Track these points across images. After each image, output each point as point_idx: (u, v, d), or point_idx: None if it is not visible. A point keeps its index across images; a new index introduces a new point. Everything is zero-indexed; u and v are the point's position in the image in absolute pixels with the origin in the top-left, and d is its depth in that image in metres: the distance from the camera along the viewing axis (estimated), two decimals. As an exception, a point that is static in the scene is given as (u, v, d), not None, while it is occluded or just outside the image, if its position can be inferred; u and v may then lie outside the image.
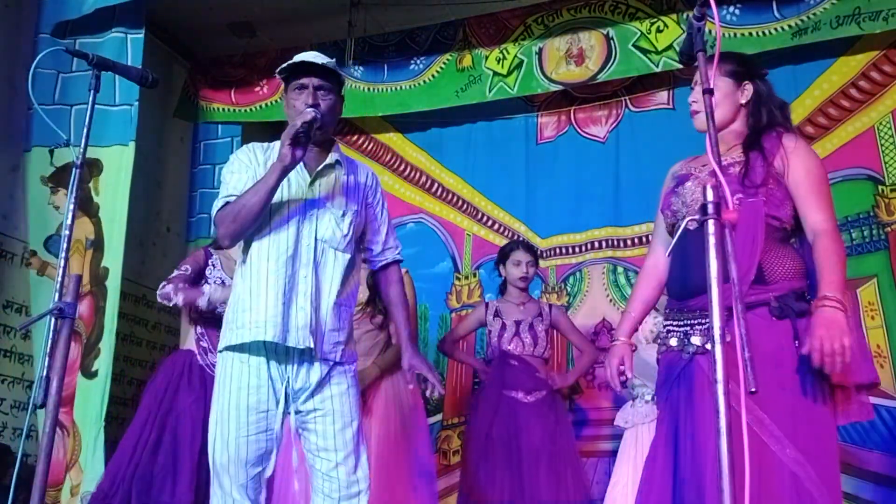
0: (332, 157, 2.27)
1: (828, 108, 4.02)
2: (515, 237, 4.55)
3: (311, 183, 2.24)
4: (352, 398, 2.25)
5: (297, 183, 2.22)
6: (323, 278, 2.21)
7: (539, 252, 4.54)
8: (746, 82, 2.18)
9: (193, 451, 3.15)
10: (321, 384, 2.21)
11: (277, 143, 2.17)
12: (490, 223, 4.74)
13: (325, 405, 2.20)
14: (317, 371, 2.20)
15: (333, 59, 2.26)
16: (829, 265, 1.95)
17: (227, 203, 2.18)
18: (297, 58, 2.23)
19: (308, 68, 2.21)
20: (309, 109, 2.11)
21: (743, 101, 2.18)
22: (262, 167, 2.24)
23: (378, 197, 2.39)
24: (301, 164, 2.17)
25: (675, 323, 2.14)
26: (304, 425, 2.23)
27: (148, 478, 3.12)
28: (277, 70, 2.27)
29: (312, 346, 2.16)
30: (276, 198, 2.17)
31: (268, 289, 2.17)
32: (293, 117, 2.17)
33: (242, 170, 2.26)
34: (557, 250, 4.56)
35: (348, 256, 2.26)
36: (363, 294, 3.11)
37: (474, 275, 4.63)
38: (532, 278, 3.62)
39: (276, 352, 2.17)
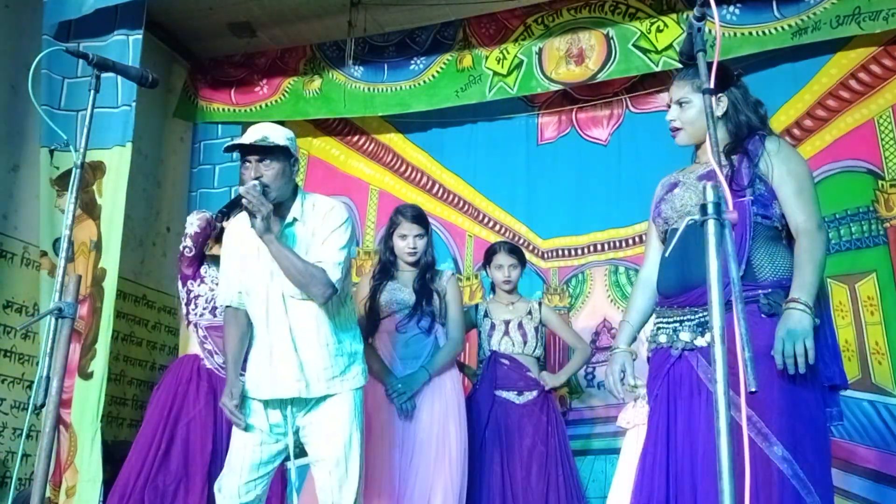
0: (290, 217, 2.47)
1: (826, 101, 4.00)
2: (516, 239, 4.55)
3: None
4: (346, 414, 2.46)
5: (260, 248, 2.43)
6: (300, 330, 2.44)
7: (540, 254, 4.55)
8: (720, 95, 2.20)
9: (205, 459, 3.12)
10: (317, 403, 2.47)
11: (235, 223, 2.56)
12: (491, 224, 4.73)
13: (319, 420, 2.46)
14: (310, 401, 2.47)
15: (268, 137, 2.43)
16: (802, 266, 1.99)
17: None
18: (237, 140, 2.49)
19: (247, 147, 2.43)
20: (252, 182, 2.37)
21: (719, 114, 2.20)
22: (236, 249, 2.56)
23: (326, 225, 2.48)
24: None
25: (664, 320, 2.18)
26: (304, 438, 2.49)
27: (160, 487, 3.10)
28: (225, 150, 2.54)
29: (298, 394, 2.43)
30: (247, 265, 2.48)
31: (259, 349, 2.50)
32: None
33: (228, 274, 2.60)
34: (559, 252, 4.55)
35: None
36: (410, 298, 3.15)
37: (476, 276, 4.63)
38: (516, 281, 3.61)
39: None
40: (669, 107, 2.26)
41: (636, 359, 2.34)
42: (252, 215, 2.32)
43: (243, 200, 2.32)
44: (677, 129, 2.23)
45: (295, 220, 2.48)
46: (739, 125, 2.19)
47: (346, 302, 2.58)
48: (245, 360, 2.61)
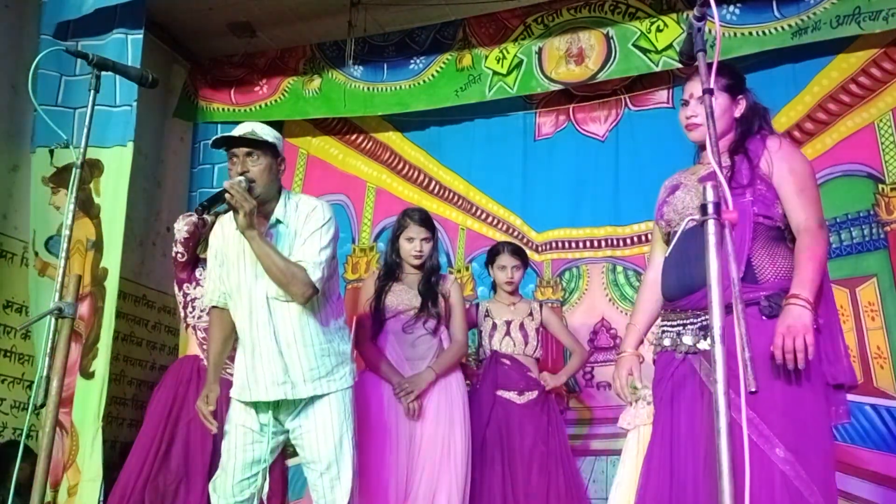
0: (273, 218, 2.45)
1: (827, 104, 3.99)
2: (510, 231, 4.55)
3: None
4: (336, 416, 2.47)
5: (245, 251, 2.41)
6: (284, 331, 2.42)
7: (534, 247, 4.54)
8: (741, 96, 2.21)
9: (205, 459, 3.12)
10: (305, 406, 2.47)
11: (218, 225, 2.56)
12: (484, 216, 4.71)
13: (308, 422, 2.46)
14: (299, 403, 2.46)
15: (256, 132, 2.42)
16: (802, 263, 1.99)
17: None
18: (224, 134, 2.49)
19: (235, 140, 2.40)
20: (237, 178, 2.34)
21: (738, 115, 2.20)
22: (221, 250, 2.53)
23: (309, 225, 2.45)
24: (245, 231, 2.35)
25: (668, 323, 2.18)
26: (295, 441, 2.51)
27: (160, 487, 3.10)
28: (212, 145, 2.48)
29: (284, 396, 2.43)
30: (232, 267, 2.45)
31: (244, 351, 2.48)
32: None
33: (213, 276, 2.57)
34: (553, 244, 4.54)
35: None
36: (416, 300, 3.19)
37: (467, 268, 4.63)
38: (519, 282, 3.63)
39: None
40: (686, 103, 2.24)
41: (643, 362, 2.34)
42: (235, 211, 2.29)
43: (227, 195, 2.28)
44: (696, 126, 2.20)
45: (279, 221, 2.46)
46: (751, 127, 2.20)
47: (332, 301, 2.58)
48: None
